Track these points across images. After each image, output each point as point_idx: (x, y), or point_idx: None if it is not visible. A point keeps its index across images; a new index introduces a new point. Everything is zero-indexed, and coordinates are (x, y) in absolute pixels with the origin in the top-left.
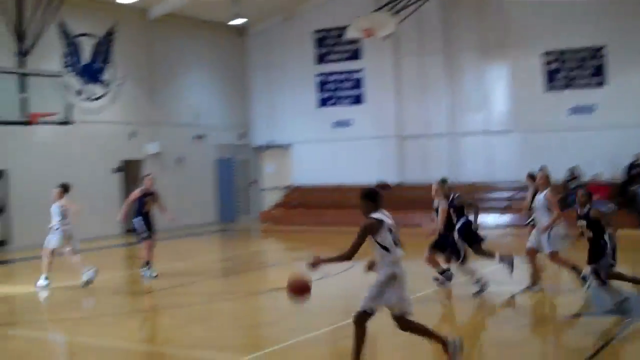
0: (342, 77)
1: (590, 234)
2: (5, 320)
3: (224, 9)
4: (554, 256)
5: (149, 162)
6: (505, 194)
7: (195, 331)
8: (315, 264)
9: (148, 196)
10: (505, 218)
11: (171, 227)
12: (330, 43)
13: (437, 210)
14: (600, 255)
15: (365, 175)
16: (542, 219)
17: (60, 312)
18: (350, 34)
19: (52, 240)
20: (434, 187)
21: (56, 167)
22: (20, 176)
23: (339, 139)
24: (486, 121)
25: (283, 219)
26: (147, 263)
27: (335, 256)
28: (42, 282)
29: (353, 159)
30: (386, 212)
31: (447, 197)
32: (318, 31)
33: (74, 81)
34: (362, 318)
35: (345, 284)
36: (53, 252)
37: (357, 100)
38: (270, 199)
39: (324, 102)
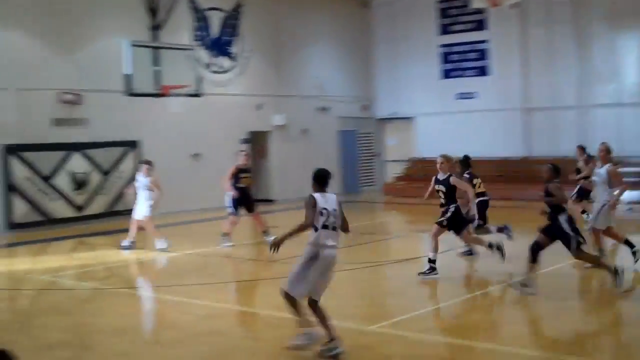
0: (467, 48)
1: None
2: (140, 284)
3: None
4: (602, 232)
5: (275, 134)
6: (637, 169)
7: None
8: (276, 244)
9: (243, 172)
10: (635, 194)
11: (294, 198)
12: (454, 13)
13: (445, 186)
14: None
15: (489, 148)
16: (603, 193)
17: (190, 277)
18: (475, 4)
19: (146, 211)
20: (438, 161)
21: (185, 138)
22: (152, 146)
23: (462, 111)
24: (617, 93)
25: (405, 192)
26: (226, 234)
27: (292, 230)
28: (162, 244)
29: (477, 131)
30: (329, 196)
31: (461, 172)
32: (442, 1)
33: (204, 54)
34: (288, 297)
35: (470, 258)
36: (144, 221)
37: (482, 72)
38: (393, 171)
39: (447, 74)
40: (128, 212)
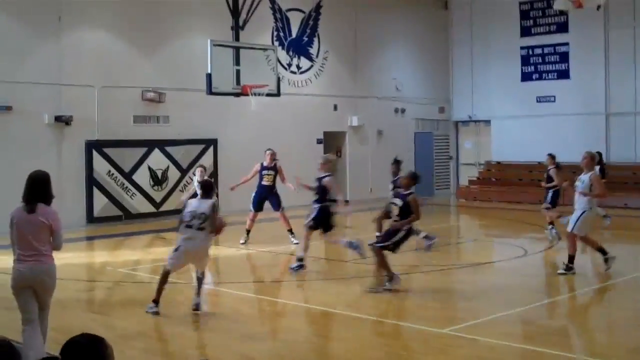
0: (548, 50)
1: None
2: (216, 280)
3: None
4: (574, 237)
5: (350, 135)
6: None
7: (393, 301)
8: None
9: (265, 170)
10: None
11: (369, 199)
12: (536, 15)
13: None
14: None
15: (568, 153)
16: (583, 200)
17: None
18: (558, 5)
19: None
20: (319, 162)
21: (262, 137)
22: (229, 145)
23: (541, 115)
24: None
25: (480, 195)
26: (248, 232)
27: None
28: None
29: (555, 136)
30: (203, 200)
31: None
32: (524, 2)
33: (283, 54)
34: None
35: (542, 263)
36: None
37: (562, 75)
38: (468, 174)
39: (527, 77)
40: None
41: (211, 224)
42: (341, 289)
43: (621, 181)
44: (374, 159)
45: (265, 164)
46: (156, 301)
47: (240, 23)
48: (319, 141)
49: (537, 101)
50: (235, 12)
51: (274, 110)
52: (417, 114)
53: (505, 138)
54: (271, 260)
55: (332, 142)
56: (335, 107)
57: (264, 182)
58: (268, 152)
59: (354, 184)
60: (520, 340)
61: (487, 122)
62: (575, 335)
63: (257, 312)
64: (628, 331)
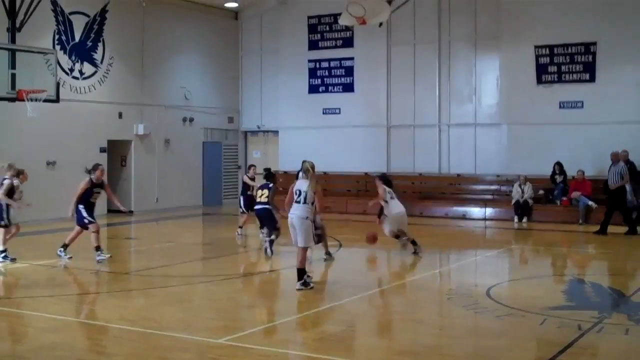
0: (334, 64)
1: None
2: None
3: None
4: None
5: (136, 143)
6: (489, 187)
7: (172, 313)
8: None
9: (97, 187)
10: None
11: (157, 209)
12: (324, 29)
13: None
14: None
15: (352, 163)
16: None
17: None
18: (343, 21)
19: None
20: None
21: (42, 145)
22: (5, 153)
23: (328, 125)
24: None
25: None
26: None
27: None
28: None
29: (341, 147)
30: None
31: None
32: (312, 17)
33: (65, 59)
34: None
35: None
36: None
37: (348, 88)
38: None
39: (314, 89)
40: None
41: None
42: (122, 302)
43: (400, 190)
44: (160, 169)
45: (95, 180)
46: None
47: (17, 24)
48: (102, 150)
49: (324, 113)
50: (12, 12)
51: (54, 117)
52: (206, 123)
53: (294, 148)
54: (47, 274)
55: (116, 150)
56: (121, 115)
57: (93, 200)
58: (100, 168)
59: (139, 193)
60: (296, 347)
61: (276, 132)
62: (349, 339)
63: (25, 328)
64: (398, 334)
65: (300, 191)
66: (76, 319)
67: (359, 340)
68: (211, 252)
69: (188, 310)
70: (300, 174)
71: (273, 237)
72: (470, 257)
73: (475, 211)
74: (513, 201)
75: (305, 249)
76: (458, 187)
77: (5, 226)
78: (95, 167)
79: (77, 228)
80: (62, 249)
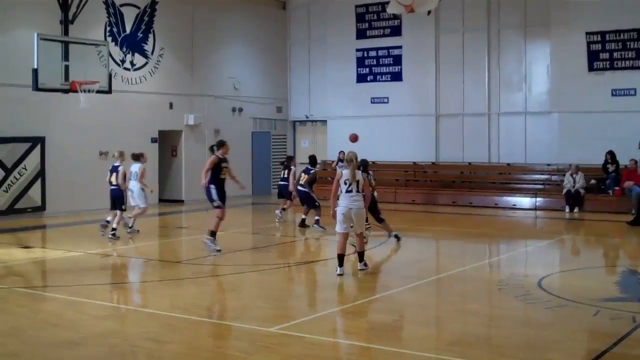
0: (382, 53)
1: None
2: (38, 283)
3: None
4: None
5: (187, 133)
6: (540, 176)
7: (224, 302)
8: None
9: (224, 162)
10: (538, 200)
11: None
12: (372, 18)
13: None
14: None
15: (401, 153)
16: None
17: (87, 277)
18: (391, 9)
19: None
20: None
21: (93, 136)
22: (58, 143)
23: (376, 115)
24: (525, 101)
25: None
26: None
27: None
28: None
29: (389, 136)
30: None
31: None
32: (360, 5)
33: (116, 51)
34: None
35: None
36: None
37: (396, 77)
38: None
39: (362, 78)
40: (32, 209)
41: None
42: (174, 291)
43: (449, 179)
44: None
45: (222, 155)
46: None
47: (70, 17)
48: (153, 140)
49: (372, 102)
50: (64, 5)
51: (106, 108)
52: (254, 113)
53: (342, 138)
54: (101, 263)
55: (167, 140)
56: (171, 105)
57: (222, 176)
58: (227, 144)
59: (190, 183)
60: (347, 337)
61: (324, 122)
62: (399, 329)
63: (80, 315)
64: (448, 324)
65: (348, 181)
66: (129, 306)
67: (409, 330)
68: (261, 241)
69: (239, 299)
70: (344, 164)
71: (317, 216)
72: (520, 248)
73: (526, 201)
74: (564, 191)
75: (347, 236)
76: (508, 176)
77: (124, 210)
78: (221, 143)
79: (217, 211)
80: (210, 238)
